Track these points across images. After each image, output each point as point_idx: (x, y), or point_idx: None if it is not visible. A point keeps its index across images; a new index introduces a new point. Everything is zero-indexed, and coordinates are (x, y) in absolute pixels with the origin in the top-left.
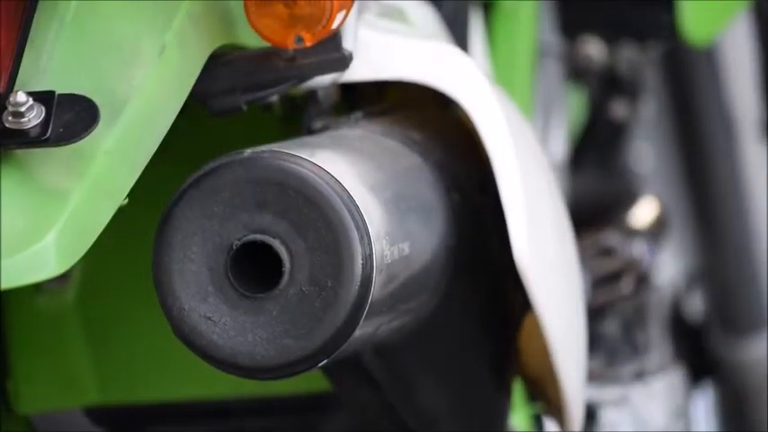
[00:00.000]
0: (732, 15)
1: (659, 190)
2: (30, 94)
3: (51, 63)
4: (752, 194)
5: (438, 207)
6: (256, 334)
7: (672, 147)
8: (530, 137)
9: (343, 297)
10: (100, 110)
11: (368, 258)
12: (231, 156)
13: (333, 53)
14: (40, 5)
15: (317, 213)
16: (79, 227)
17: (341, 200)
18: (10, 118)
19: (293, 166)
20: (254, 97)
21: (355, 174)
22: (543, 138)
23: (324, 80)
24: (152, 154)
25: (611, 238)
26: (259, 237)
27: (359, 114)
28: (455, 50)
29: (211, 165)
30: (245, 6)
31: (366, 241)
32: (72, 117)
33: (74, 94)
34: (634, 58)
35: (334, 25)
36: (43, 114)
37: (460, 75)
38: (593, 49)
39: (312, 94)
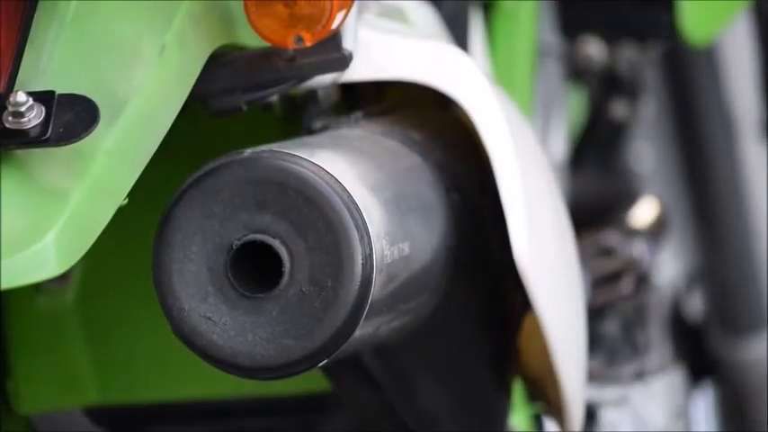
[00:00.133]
0: (732, 15)
1: (659, 190)
2: (30, 94)
3: (51, 63)
4: (752, 194)
5: (438, 207)
6: (256, 334)
7: (672, 147)
8: (530, 137)
9: (343, 297)
10: (100, 110)
11: (368, 258)
12: (231, 156)
13: (333, 53)
14: (40, 5)
15: (317, 213)
16: (79, 227)
17: (341, 200)
18: (10, 118)
19: (293, 166)
20: (254, 97)
21: (355, 174)
22: (543, 138)
23: (324, 80)
24: (152, 154)
25: (611, 238)
26: (259, 237)
27: (359, 114)
28: (455, 50)
29: (211, 165)
30: (245, 6)
31: (366, 241)
32: (72, 117)
33: (74, 94)
34: (634, 58)
35: (334, 25)
36: (43, 114)
37: (460, 75)
38: (593, 49)
39: (312, 94)
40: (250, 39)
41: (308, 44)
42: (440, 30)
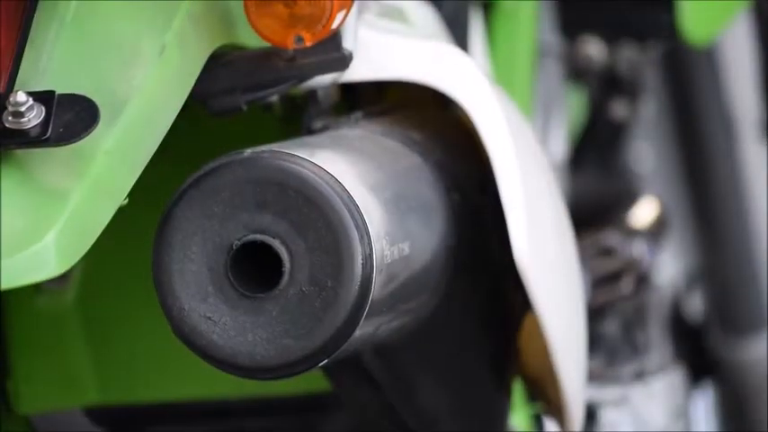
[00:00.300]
0: (732, 15)
1: (659, 190)
2: (30, 94)
3: (51, 63)
4: (752, 194)
5: (438, 207)
6: (256, 334)
7: (672, 147)
8: (530, 137)
9: (343, 297)
10: (100, 110)
11: (368, 258)
12: (231, 156)
13: (333, 53)
14: (40, 5)
15: (317, 213)
16: (79, 227)
17: (341, 200)
18: (10, 118)
19: (293, 166)
20: (254, 97)
21: (355, 174)
22: (543, 138)
23: (324, 80)
24: (152, 154)
25: (611, 238)
26: (259, 237)
27: (359, 114)
28: (455, 50)
29: (211, 165)
30: (245, 6)
31: (366, 241)
32: (72, 117)
33: (74, 94)
34: (634, 58)
35: (334, 25)
36: (43, 114)
37: (460, 75)
38: (593, 49)
39: (312, 94)
40: (250, 39)
41: (308, 44)
42: (440, 30)
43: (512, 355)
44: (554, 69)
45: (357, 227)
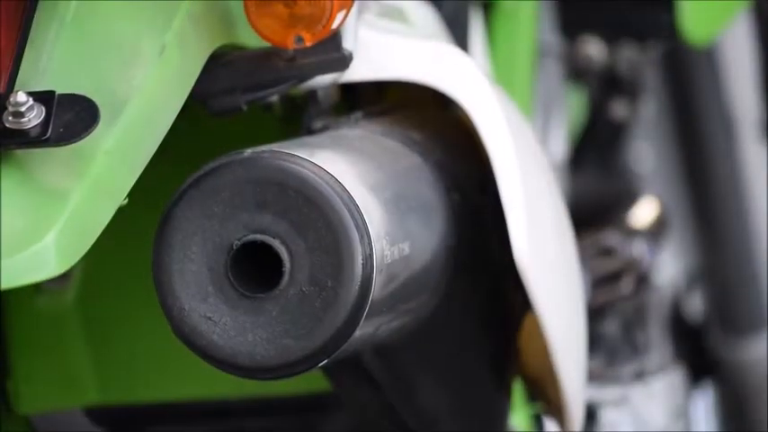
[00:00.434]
0: (732, 15)
1: (659, 190)
2: (30, 94)
3: (51, 63)
4: (752, 194)
5: (438, 207)
6: (256, 334)
7: (672, 147)
8: (530, 137)
9: (344, 297)
10: (100, 110)
11: (368, 258)
12: (231, 156)
13: (333, 53)
14: (40, 5)
15: (317, 213)
16: (79, 227)
17: (341, 200)
18: (10, 118)
19: (293, 166)
20: (254, 97)
21: (355, 174)
22: (543, 138)
23: (324, 80)
24: (152, 154)
25: (611, 238)
26: (259, 237)
27: (359, 114)
28: (455, 50)
29: (211, 165)
30: (245, 6)
31: (366, 241)
32: (72, 117)
33: (74, 94)
34: (634, 58)
35: (334, 25)
36: (43, 114)
37: (460, 75)
38: (593, 49)
39: (312, 94)
40: (250, 39)
41: (308, 44)
42: (440, 30)
43: (512, 355)
44: (554, 69)
45: (357, 227)
